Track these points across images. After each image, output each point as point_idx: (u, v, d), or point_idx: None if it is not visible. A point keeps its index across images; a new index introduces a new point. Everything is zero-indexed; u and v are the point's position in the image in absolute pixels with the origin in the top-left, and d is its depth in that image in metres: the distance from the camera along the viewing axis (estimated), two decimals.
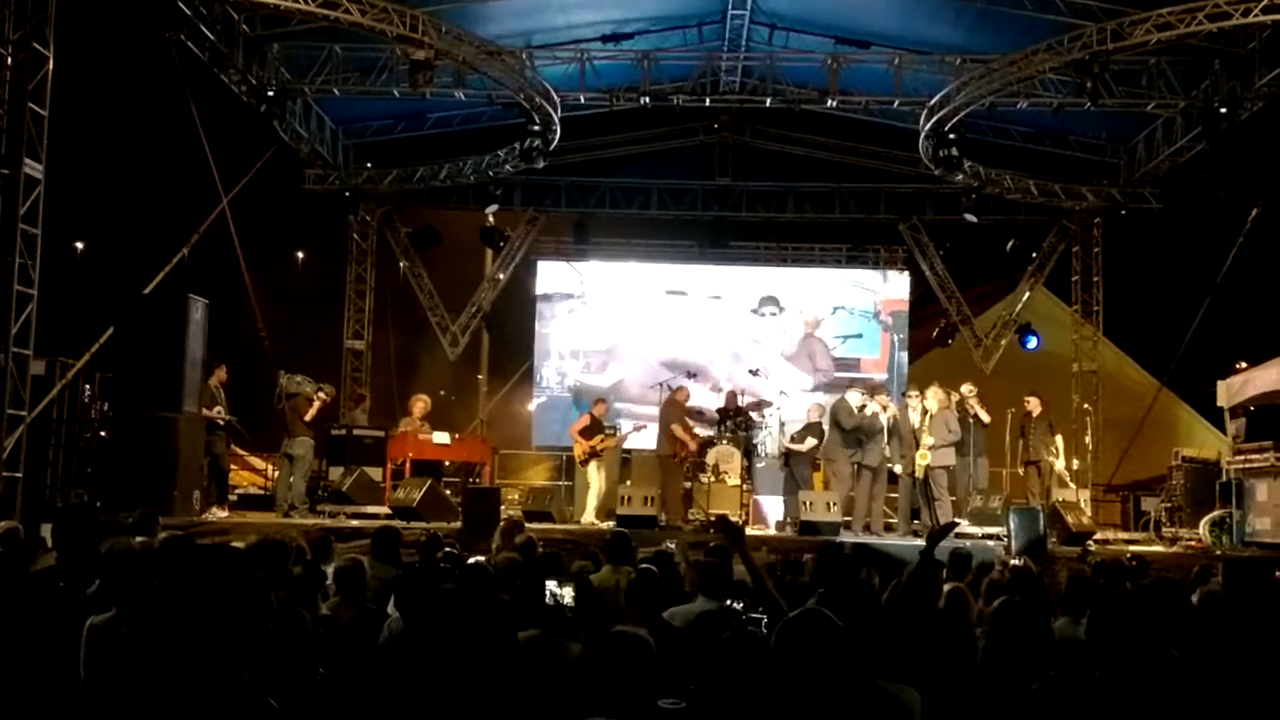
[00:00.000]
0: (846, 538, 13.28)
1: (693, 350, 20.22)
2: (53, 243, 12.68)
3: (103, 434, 14.37)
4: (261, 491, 17.51)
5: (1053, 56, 14.30)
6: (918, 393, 14.86)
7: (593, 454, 15.33)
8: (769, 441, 17.13)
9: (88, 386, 14.34)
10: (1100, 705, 3.46)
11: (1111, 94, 15.13)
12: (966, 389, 15.12)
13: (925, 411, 14.28)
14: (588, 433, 15.42)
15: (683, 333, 20.57)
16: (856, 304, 20.81)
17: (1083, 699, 3.51)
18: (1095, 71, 13.93)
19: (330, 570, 6.74)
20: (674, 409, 15.66)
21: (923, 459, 14.08)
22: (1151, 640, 3.56)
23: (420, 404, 16.15)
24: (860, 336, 20.74)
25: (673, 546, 11.12)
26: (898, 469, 14.55)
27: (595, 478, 15.30)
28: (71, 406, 14.10)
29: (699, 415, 16.10)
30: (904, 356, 20.68)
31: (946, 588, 6.12)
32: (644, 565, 6.38)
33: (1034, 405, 15.39)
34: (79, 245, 21.63)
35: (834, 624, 3.45)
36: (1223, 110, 14.94)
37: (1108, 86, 14.69)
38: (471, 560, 7.59)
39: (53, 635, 4.88)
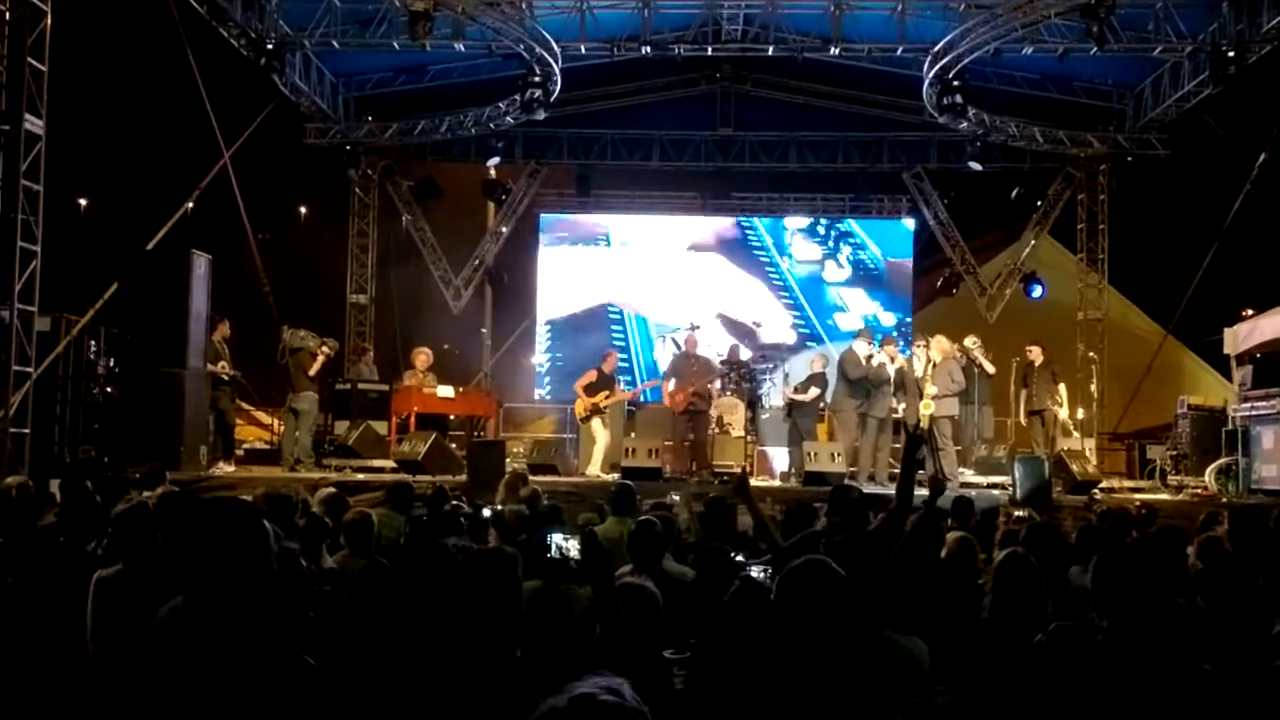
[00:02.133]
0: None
1: (695, 301, 20.23)
2: (55, 199, 12.66)
3: (109, 390, 14.40)
4: (267, 446, 17.55)
5: (1059, 1, 14.16)
6: (924, 343, 14.80)
7: (595, 411, 15.04)
8: (772, 393, 17.13)
9: (93, 342, 14.36)
10: (1105, 654, 3.47)
11: (1117, 38, 14.98)
12: (970, 341, 15.04)
13: (929, 361, 14.22)
14: (592, 389, 15.08)
15: (687, 284, 20.61)
16: (857, 253, 20.88)
17: (1088, 648, 3.51)
18: (1101, 15, 13.78)
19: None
20: (673, 360, 15.63)
21: (926, 409, 14.03)
22: (1157, 588, 3.56)
23: (422, 357, 16.14)
24: (869, 270, 20.80)
25: (677, 499, 11.15)
26: (899, 414, 14.55)
27: (600, 432, 15.10)
28: (77, 362, 14.14)
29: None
30: (905, 306, 20.74)
31: (952, 536, 6.13)
32: (644, 517, 6.40)
33: (1036, 354, 15.36)
34: (82, 202, 21.60)
35: (835, 572, 3.45)
36: (1230, 54, 14.80)
37: (1114, 31, 14.54)
38: (486, 512, 7.62)
39: (58, 589, 4.91)
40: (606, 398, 15.07)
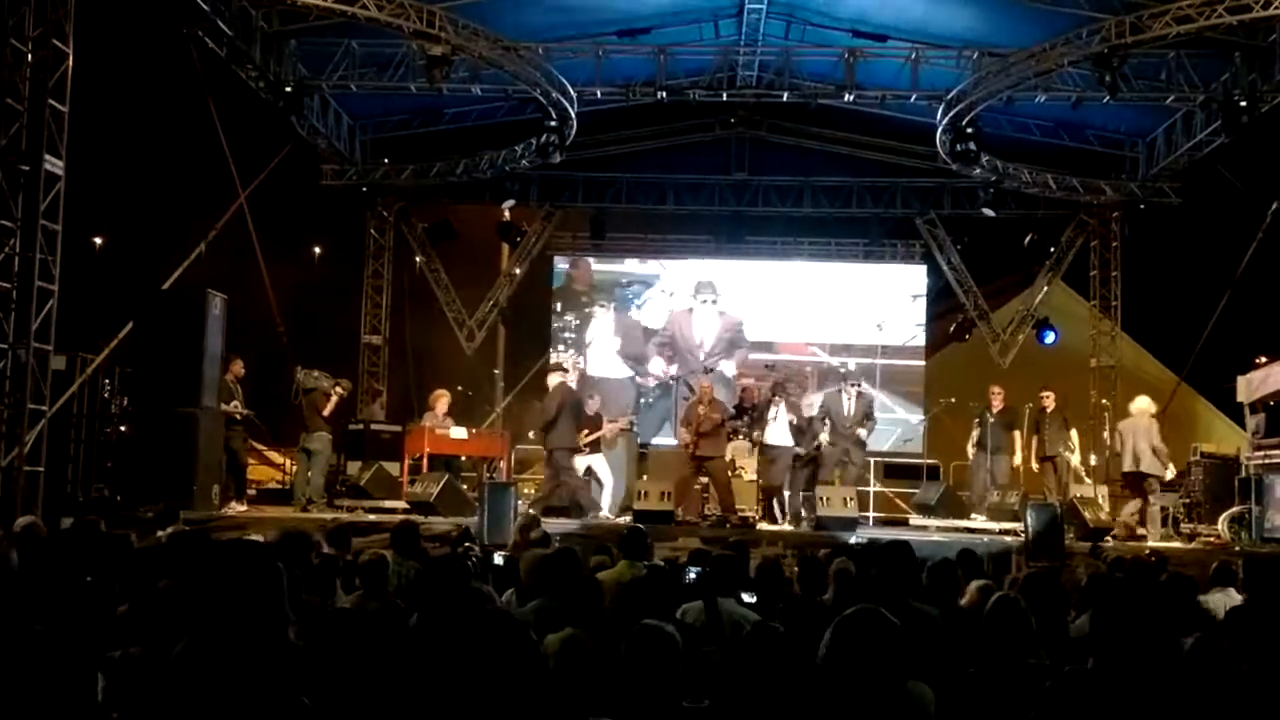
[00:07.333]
0: (863, 533, 13.25)
1: (709, 344, 20.29)
2: (72, 239, 12.73)
3: (123, 429, 14.44)
4: (280, 486, 17.56)
5: (1071, 50, 14.25)
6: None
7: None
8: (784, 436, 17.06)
9: (107, 381, 14.41)
10: (1105, 702, 3.45)
11: (1130, 87, 15.08)
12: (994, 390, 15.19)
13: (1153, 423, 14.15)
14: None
15: (697, 328, 20.66)
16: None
17: (1087, 695, 3.50)
18: (1114, 65, 13.88)
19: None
20: (687, 406, 15.66)
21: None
22: (1155, 635, 3.55)
23: (443, 400, 16.08)
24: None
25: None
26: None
27: (605, 473, 15.24)
28: (92, 401, 14.19)
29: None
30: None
31: (974, 585, 6.10)
32: (652, 563, 6.41)
33: (1048, 400, 15.35)
34: (98, 241, 21.70)
35: (891, 622, 3.44)
36: (1243, 103, 14.87)
37: (1127, 80, 14.64)
38: (498, 558, 7.62)
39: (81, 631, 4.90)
40: (586, 435, 15.15)
